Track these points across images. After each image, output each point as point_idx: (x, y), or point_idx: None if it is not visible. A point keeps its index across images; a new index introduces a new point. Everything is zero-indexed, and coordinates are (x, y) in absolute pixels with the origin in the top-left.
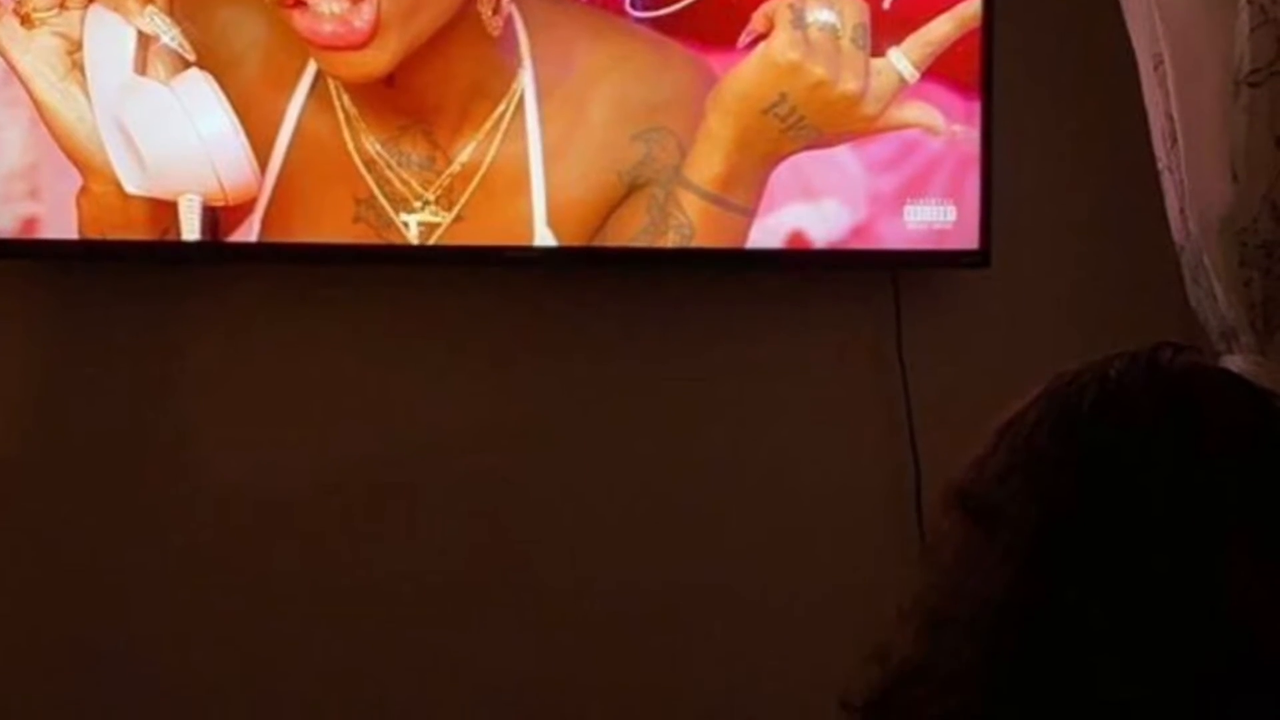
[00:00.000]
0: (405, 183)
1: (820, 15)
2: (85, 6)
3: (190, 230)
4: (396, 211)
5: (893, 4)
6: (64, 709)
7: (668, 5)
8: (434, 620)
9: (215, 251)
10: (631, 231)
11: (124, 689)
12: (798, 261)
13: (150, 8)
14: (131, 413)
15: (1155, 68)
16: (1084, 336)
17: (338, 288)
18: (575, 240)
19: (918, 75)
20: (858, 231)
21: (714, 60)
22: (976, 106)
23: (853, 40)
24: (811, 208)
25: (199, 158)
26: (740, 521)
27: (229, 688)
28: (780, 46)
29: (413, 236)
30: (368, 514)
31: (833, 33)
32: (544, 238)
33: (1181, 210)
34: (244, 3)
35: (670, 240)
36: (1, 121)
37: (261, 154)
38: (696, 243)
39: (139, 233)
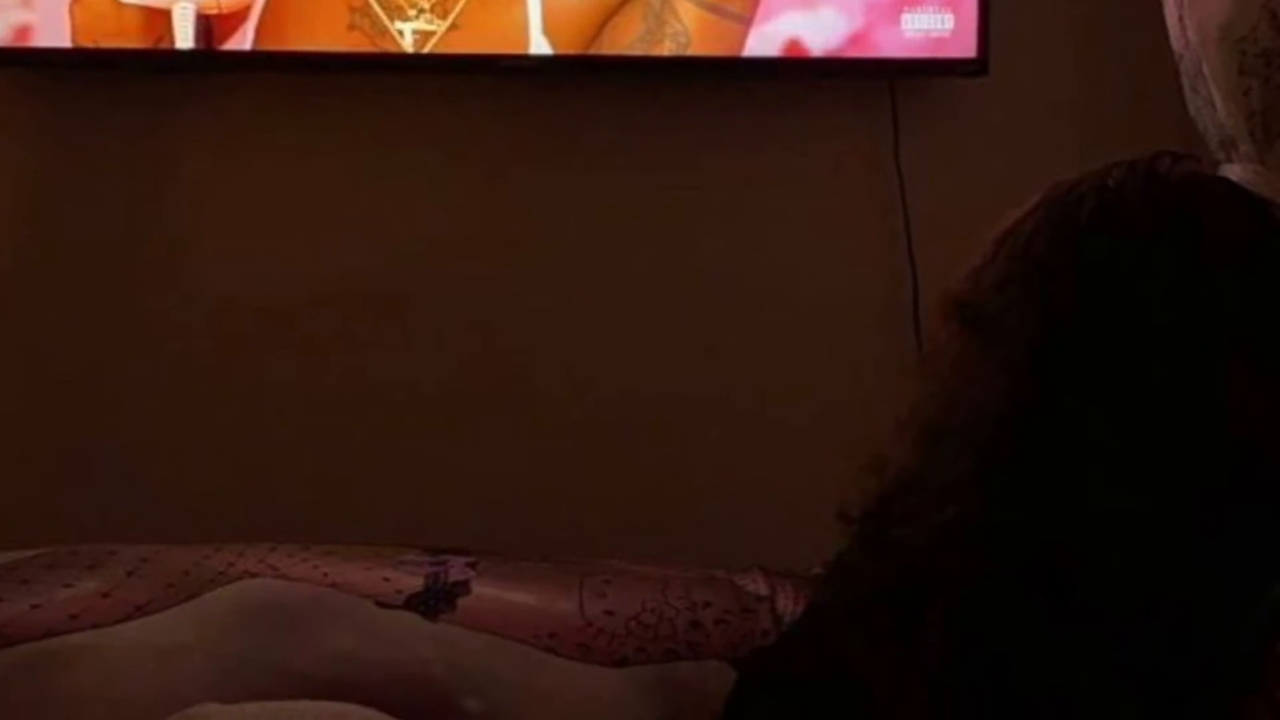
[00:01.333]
0: None
1: None
2: None
3: (184, 39)
4: (391, 19)
5: None
6: (59, 518)
7: None
8: (428, 429)
9: (209, 60)
10: (627, 39)
11: (118, 498)
12: (794, 70)
13: None
14: (125, 222)
15: None
16: (1082, 145)
17: (332, 96)
18: (571, 48)
19: None
20: (855, 40)
21: None
22: None
23: None
24: (809, 15)
25: None
26: (737, 331)
27: (222, 497)
28: None
29: (407, 45)
30: (362, 323)
31: None
32: (539, 46)
33: (1180, 18)
34: None
35: (666, 48)
36: None
37: None
38: (693, 51)
39: (132, 41)
